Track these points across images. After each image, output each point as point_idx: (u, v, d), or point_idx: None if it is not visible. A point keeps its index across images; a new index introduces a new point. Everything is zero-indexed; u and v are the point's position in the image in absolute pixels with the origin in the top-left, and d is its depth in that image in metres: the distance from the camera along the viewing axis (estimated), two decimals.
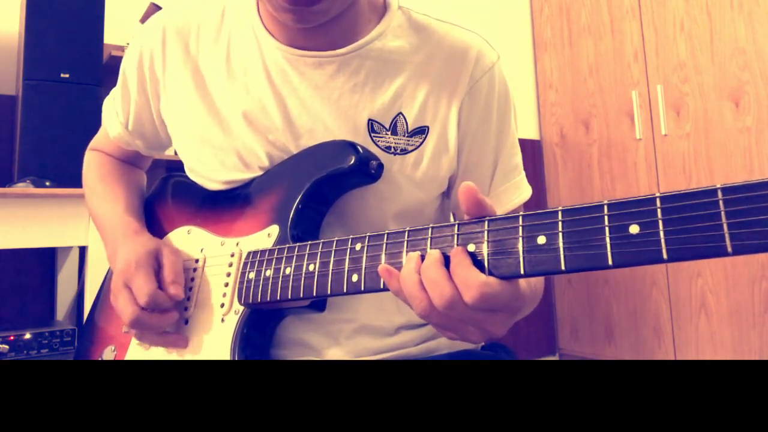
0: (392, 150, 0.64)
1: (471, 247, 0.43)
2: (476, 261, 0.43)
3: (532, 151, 2.66)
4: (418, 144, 0.65)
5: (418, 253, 0.45)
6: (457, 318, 0.43)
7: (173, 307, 0.63)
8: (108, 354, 0.71)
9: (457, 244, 0.44)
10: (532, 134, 2.70)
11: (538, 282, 0.61)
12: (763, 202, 0.33)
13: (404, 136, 0.65)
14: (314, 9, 0.57)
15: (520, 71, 2.75)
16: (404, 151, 0.65)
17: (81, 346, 0.77)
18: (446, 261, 0.44)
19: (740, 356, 1.95)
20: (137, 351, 0.68)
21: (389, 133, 0.65)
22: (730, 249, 0.33)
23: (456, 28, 0.69)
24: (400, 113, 0.65)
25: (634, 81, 2.30)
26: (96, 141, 0.86)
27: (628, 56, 2.33)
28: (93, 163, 0.84)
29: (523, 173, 0.73)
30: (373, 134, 0.64)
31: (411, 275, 0.44)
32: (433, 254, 0.44)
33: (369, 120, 0.64)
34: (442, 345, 0.70)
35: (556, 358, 2.60)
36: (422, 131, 0.65)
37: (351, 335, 0.66)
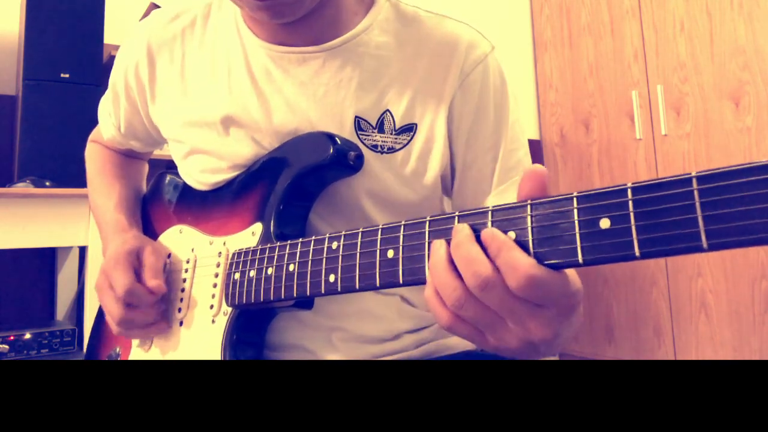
0: (379, 149, 0.62)
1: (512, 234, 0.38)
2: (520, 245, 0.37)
3: (532, 151, 2.64)
4: (405, 142, 0.63)
5: (444, 240, 0.40)
6: (496, 308, 0.37)
7: (155, 303, 0.63)
8: (113, 355, 0.72)
9: (429, 242, 0.41)
10: (532, 134, 2.70)
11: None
12: (740, 191, 0.30)
13: (391, 134, 0.63)
14: (287, 0, 0.55)
15: (520, 71, 2.75)
16: (391, 150, 0.63)
17: (91, 347, 0.78)
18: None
19: (740, 356, 1.95)
20: (138, 352, 0.68)
21: (376, 131, 0.62)
22: (705, 245, 0.31)
23: (446, 19, 0.66)
24: (387, 110, 0.63)
25: (634, 81, 2.30)
26: (96, 133, 0.86)
27: (628, 56, 2.32)
28: (93, 155, 0.85)
29: None
30: (359, 132, 0.62)
31: (440, 262, 0.39)
32: (463, 230, 0.38)
33: (355, 117, 0.62)
34: (442, 347, 0.69)
35: (556, 358, 2.60)
36: (410, 129, 0.63)
37: (348, 339, 0.65)
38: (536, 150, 2.69)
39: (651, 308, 2.23)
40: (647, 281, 2.24)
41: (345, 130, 0.62)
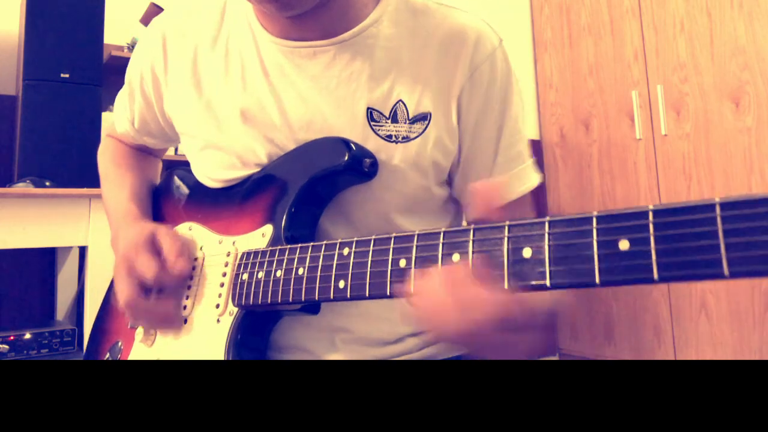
0: (393, 138, 0.62)
1: (455, 257, 0.42)
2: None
3: (532, 151, 2.66)
4: (421, 131, 0.63)
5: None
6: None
7: (174, 291, 0.63)
8: (115, 350, 0.71)
9: (443, 254, 0.43)
10: (532, 134, 2.70)
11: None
12: (765, 220, 0.30)
13: (405, 123, 0.63)
14: None
15: (520, 71, 2.73)
16: (406, 139, 0.63)
17: (92, 342, 0.77)
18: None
19: (740, 356, 1.95)
20: (140, 347, 0.68)
21: (389, 121, 0.62)
22: (726, 272, 0.31)
23: (454, 11, 0.67)
24: (400, 100, 0.63)
25: (634, 81, 2.30)
26: (111, 128, 0.87)
27: (628, 56, 2.32)
28: (107, 148, 0.85)
29: (530, 161, 0.70)
30: (372, 123, 0.62)
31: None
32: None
33: (368, 108, 0.62)
34: (442, 349, 0.69)
35: (556, 358, 2.60)
36: (424, 117, 0.63)
37: (351, 341, 0.65)
38: (536, 150, 2.69)
39: (651, 308, 2.23)
40: None
41: (357, 122, 0.62)
